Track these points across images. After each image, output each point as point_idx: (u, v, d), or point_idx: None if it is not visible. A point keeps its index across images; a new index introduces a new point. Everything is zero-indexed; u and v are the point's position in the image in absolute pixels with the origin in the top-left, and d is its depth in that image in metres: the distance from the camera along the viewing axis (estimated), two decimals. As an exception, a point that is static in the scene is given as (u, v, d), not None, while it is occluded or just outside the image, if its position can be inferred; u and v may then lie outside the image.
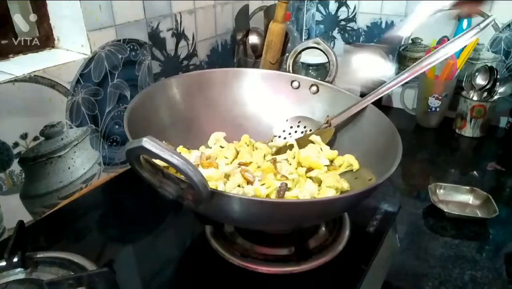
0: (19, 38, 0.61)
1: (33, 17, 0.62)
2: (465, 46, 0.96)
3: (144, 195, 0.65)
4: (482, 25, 0.52)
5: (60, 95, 0.60)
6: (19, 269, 0.46)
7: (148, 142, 0.33)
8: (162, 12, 0.74)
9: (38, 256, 0.48)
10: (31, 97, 0.56)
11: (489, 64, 0.99)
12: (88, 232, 0.59)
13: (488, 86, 0.97)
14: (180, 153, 0.56)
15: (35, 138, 0.58)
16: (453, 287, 0.59)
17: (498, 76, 0.97)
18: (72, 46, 0.64)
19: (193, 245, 0.57)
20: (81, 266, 0.47)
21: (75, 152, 0.64)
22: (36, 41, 0.63)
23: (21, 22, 0.62)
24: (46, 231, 0.59)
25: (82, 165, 0.66)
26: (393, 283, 0.61)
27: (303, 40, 1.23)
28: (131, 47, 0.69)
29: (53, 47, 0.65)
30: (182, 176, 0.36)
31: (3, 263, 0.46)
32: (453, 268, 0.63)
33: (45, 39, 0.64)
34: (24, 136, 0.56)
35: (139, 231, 0.59)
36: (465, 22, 0.99)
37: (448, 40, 0.55)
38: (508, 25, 0.98)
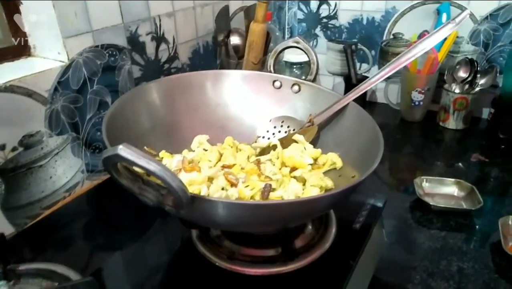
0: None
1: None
2: (444, 40, 0.97)
3: (129, 202, 0.64)
4: (457, 20, 0.53)
5: (38, 104, 0.59)
6: (1, 282, 0.45)
7: (123, 150, 0.32)
8: (140, 16, 0.73)
9: (20, 268, 0.48)
10: (7, 108, 0.55)
11: (469, 57, 1.00)
12: (74, 241, 0.58)
13: (469, 79, 0.98)
14: (161, 158, 0.55)
15: (14, 149, 0.57)
16: (441, 279, 0.60)
17: (478, 68, 0.98)
18: (49, 54, 0.63)
19: (180, 250, 0.56)
20: (65, 277, 0.47)
21: (56, 160, 0.63)
22: (11, 50, 0.62)
23: None
24: (30, 242, 0.58)
25: (64, 173, 0.65)
26: (382, 278, 0.61)
27: (285, 39, 1.23)
28: (110, 52, 0.68)
29: (29, 55, 0.64)
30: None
31: (-16, 277, 0.45)
32: (440, 260, 0.63)
33: (20, 47, 0.63)
34: (2, 147, 0.55)
35: (125, 238, 0.59)
36: (444, 16, 1.00)
37: (429, 34, 0.55)
38: (486, 18, 0.99)
